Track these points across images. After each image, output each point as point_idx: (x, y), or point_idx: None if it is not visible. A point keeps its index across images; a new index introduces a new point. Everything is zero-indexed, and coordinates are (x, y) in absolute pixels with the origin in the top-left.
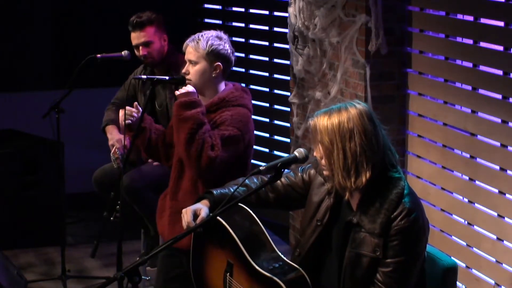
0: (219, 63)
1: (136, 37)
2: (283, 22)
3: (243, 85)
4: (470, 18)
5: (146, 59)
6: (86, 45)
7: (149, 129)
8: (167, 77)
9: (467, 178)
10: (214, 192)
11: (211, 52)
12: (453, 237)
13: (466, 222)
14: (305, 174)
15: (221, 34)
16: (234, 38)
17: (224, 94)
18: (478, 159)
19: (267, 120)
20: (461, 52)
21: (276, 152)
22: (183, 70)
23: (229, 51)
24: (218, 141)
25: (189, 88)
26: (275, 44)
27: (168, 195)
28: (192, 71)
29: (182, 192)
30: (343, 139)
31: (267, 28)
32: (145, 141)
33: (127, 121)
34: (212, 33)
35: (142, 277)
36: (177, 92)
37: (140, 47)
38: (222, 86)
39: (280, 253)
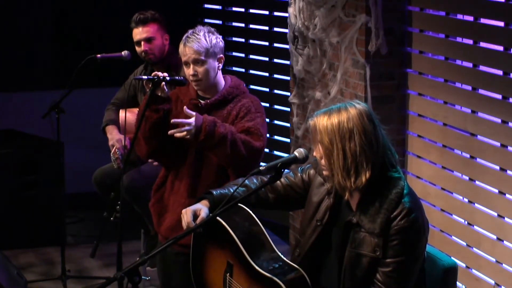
0: (222, 55)
1: (138, 33)
2: (283, 22)
3: None
4: (470, 18)
5: (147, 55)
6: (86, 45)
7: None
8: (168, 78)
9: (467, 178)
10: (214, 192)
11: (214, 46)
12: (453, 237)
13: (466, 222)
14: (304, 174)
15: (210, 28)
16: (234, 38)
17: (233, 83)
18: (478, 159)
19: (267, 120)
20: (461, 52)
21: (276, 152)
22: (191, 72)
23: (223, 41)
24: (259, 130)
25: (191, 114)
26: (275, 44)
27: (181, 193)
28: (201, 70)
29: (202, 189)
30: (342, 139)
31: (267, 28)
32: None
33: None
34: (204, 29)
35: (142, 277)
36: (190, 120)
37: (142, 43)
38: (222, 77)
39: (280, 253)
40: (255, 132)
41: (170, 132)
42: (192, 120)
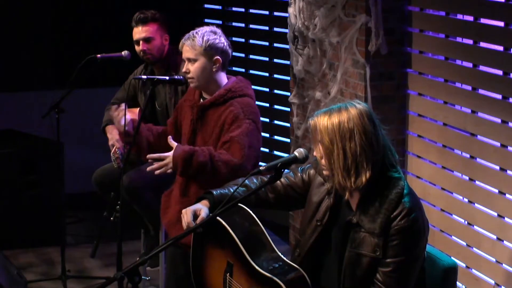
0: (218, 57)
1: (138, 32)
2: (283, 22)
3: None
4: (470, 18)
5: (145, 55)
6: (86, 45)
7: (145, 139)
8: (167, 77)
9: (467, 178)
10: (214, 192)
11: (208, 47)
12: (453, 237)
13: (466, 222)
14: (304, 174)
15: (215, 28)
16: (234, 38)
17: (230, 85)
18: (478, 159)
19: (267, 120)
20: (461, 52)
21: (276, 152)
22: (183, 69)
23: (225, 43)
24: (242, 140)
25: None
26: (275, 44)
27: (176, 191)
28: (192, 68)
29: (194, 189)
30: (343, 139)
31: (267, 28)
32: (142, 149)
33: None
34: (206, 28)
35: (142, 277)
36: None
37: (141, 42)
38: (224, 78)
39: (280, 253)
40: (237, 141)
41: (148, 168)
42: (168, 154)
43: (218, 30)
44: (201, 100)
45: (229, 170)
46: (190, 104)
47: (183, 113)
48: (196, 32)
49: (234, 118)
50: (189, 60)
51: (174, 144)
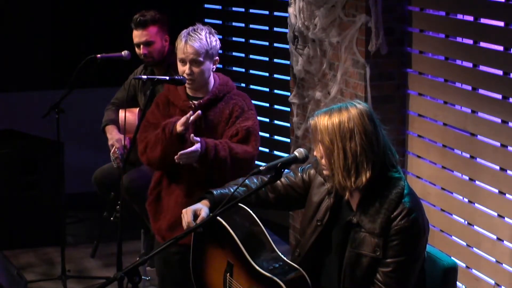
0: (217, 58)
1: (138, 36)
2: (283, 22)
3: (243, 85)
4: (470, 18)
5: (145, 58)
6: (86, 45)
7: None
8: (167, 77)
9: (467, 178)
10: (214, 192)
11: (213, 49)
12: (453, 237)
13: (466, 222)
14: (305, 174)
15: (210, 29)
16: (234, 38)
17: (221, 81)
18: (478, 159)
19: (267, 120)
20: (461, 52)
21: (276, 152)
22: (187, 71)
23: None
24: (256, 130)
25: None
26: (275, 44)
27: (178, 193)
28: (197, 70)
29: (198, 187)
30: (343, 138)
31: (267, 28)
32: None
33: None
34: (205, 29)
35: (142, 277)
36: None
37: (141, 46)
38: (212, 76)
39: (280, 253)
40: (253, 132)
41: (176, 158)
42: (197, 147)
43: (213, 30)
44: (188, 100)
45: (245, 164)
46: (183, 106)
47: (168, 118)
48: (199, 33)
49: (241, 111)
50: (194, 62)
51: (197, 139)
